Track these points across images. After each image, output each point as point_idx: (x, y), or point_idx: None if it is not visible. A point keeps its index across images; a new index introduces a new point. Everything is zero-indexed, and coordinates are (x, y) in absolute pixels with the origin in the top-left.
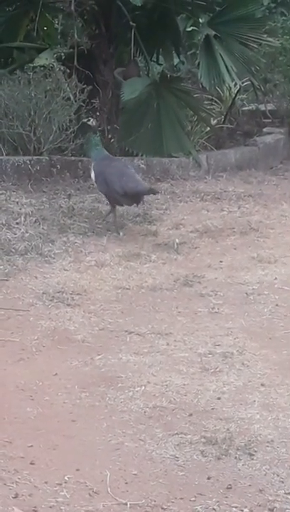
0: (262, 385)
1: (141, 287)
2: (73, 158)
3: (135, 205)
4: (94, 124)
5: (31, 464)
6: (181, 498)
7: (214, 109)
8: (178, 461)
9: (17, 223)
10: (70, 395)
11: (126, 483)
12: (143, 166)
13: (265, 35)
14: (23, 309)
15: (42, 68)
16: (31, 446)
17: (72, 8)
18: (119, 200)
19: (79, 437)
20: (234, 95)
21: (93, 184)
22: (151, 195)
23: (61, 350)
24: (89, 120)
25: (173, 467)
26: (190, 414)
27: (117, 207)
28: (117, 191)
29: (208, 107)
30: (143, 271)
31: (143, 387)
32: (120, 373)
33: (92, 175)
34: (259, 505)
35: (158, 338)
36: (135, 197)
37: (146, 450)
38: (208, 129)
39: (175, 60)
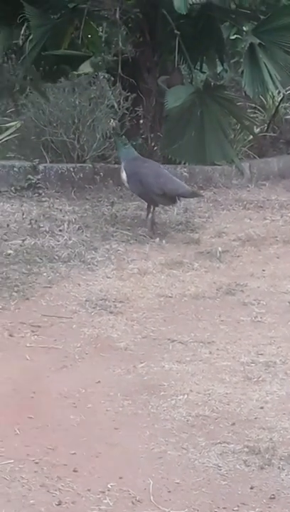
0: None
1: (183, 295)
2: (116, 165)
3: (171, 204)
4: (114, 125)
5: (74, 471)
6: (224, 508)
7: (257, 117)
8: (220, 470)
9: (60, 230)
10: (112, 402)
11: (169, 491)
12: (186, 174)
13: None
14: (66, 316)
15: (86, 76)
16: (74, 453)
17: (117, 16)
18: (155, 201)
19: (122, 445)
20: (277, 103)
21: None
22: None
23: (104, 357)
24: (110, 121)
25: (215, 476)
26: (233, 424)
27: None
28: (155, 192)
29: (251, 115)
30: (186, 279)
31: (185, 396)
32: (163, 381)
33: (124, 175)
34: None
35: (201, 347)
36: (173, 198)
37: (189, 459)
38: (251, 137)
39: (219, 68)
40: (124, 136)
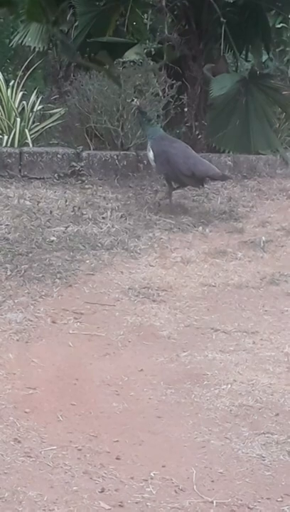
0: None
1: (226, 285)
2: None
3: (198, 187)
4: (137, 103)
5: (117, 459)
6: (268, 498)
7: None
8: (264, 460)
9: (103, 218)
10: (155, 391)
11: (213, 481)
12: (230, 162)
13: None
14: (109, 304)
15: (131, 63)
16: (117, 441)
17: (163, 3)
18: (183, 181)
19: (165, 434)
20: None
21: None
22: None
23: (147, 345)
24: (132, 100)
25: (259, 467)
26: (277, 414)
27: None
28: (183, 172)
29: None
30: (229, 268)
31: (229, 386)
32: (206, 371)
33: (151, 154)
34: None
35: (244, 337)
36: (202, 180)
37: (233, 449)
38: None
39: (264, 57)
40: (148, 114)
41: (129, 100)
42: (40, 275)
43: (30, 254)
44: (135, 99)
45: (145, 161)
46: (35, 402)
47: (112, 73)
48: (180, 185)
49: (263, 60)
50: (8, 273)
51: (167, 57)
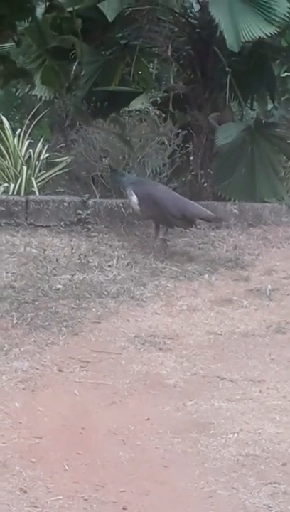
0: None
1: (233, 333)
2: None
3: (188, 228)
4: (107, 162)
5: (123, 509)
6: None
7: None
8: (271, 510)
9: (109, 266)
10: (162, 440)
11: None
12: (235, 211)
13: None
14: (115, 352)
15: (137, 112)
16: (123, 491)
17: (169, 53)
18: (171, 223)
19: (172, 483)
20: None
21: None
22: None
23: (153, 394)
24: (103, 161)
25: None
26: (284, 464)
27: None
28: (173, 214)
29: None
30: (235, 316)
31: (235, 435)
32: (212, 420)
33: (134, 198)
34: None
35: (251, 385)
36: (192, 221)
37: (239, 499)
38: None
39: (269, 106)
40: (119, 170)
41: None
42: (47, 323)
43: (37, 302)
44: (104, 159)
45: None
46: (42, 451)
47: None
48: (168, 226)
49: (268, 109)
50: (15, 321)
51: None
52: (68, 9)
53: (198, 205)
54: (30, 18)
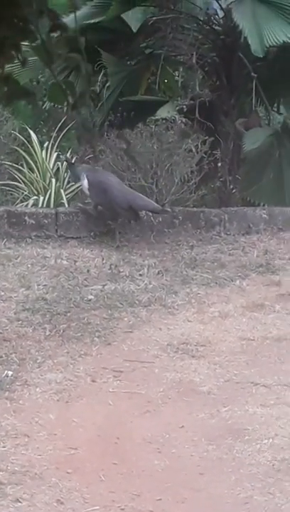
0: None
1: (265, 338)
2: (195, 209)
3: (132, 220)
4: (68, 156)
5: None
6: None
7: None
8: None
9: (140, 275)
10: (196, 447)
11: None
12: (265, 215)
13: None
14: (148, 361)
15: (164, 121)
16: (160, 499)
17: (194, 60)
18: (118, 213)
19: (208, 490)
20: None
21: (217, 234)
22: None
23: (187, 402)
24: (62, 154)
25: None
26: None
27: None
28: (120, 205)
29: None
30: (268, 321)
31: (270, 440)
32: (247, 425)
33: (85, 182)
34: None
35: (285, 390)
36: (137, 214)
37: (276, 504)
38: None
39: None
40: (75, 162)
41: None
42: (79, 334)
43: (69, 314)
44: (63, 155)
45: (180, 217)
46: (77, 462)
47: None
48: (114, 216)
49: None
50: (48, 333)
51: (199, 114)
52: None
53: (146, 198)
54: (34, 39)
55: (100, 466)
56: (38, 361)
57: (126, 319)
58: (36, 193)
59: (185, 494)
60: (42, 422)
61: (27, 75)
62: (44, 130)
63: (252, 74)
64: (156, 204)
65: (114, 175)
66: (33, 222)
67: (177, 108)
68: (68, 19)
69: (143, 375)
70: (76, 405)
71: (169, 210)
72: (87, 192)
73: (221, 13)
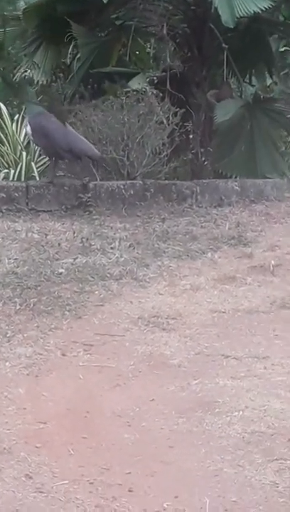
0: None
1: (237, 310)
2: (167, 181)
3: (74, 161)
4: (30, 76)
5: (129, 491)
6: None
7: None
8: (278, 487)
9: (111, 248)
10: (167, 420)
11: (226, 510)
12: (237, 188)
13: None
14: (118, 334)
15: (134, 93)
16: (129, 473)
17: (165, 32)
18: (61, 155)
19: (177, 464)
20: None
21: (189, 206)
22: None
23: (157, 375)
24: (26, 71)
25: (273, 494)
26: None
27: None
28: (61, 147)
29: None
30: (239, 294)
31: (241, 412)
32: (217, 398)
33: (28, 128)
34: None
35: (256, 362)
36: (79, 156)
37: (245, 476)
38: None
39: (268, 81)
40: (34, 90)
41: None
42: (50, 308)
43: (39, 288)
44: (28, 71)
45: (152, 190)
46: (46, 436)
47: None
48: (58, 158)
49: (268, 84)
50: (18, 307)
51: (170, 85)
52: None
53: (88, 143)
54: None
55: (69, 440)
56: (7, 335)
57: (97, 293)
58: (7, 166)
59: (155, 467)
60: (11, 396)
61: None
62: (14, 103)
63: (223, 45)
64: (96, 150)
65: (54, 116)
66: (4, 195)
67: (148, 80)
68: None
69: (113, 349)
70: (46, 379)
71: (104, 158)
72: (32, 137)
73: None
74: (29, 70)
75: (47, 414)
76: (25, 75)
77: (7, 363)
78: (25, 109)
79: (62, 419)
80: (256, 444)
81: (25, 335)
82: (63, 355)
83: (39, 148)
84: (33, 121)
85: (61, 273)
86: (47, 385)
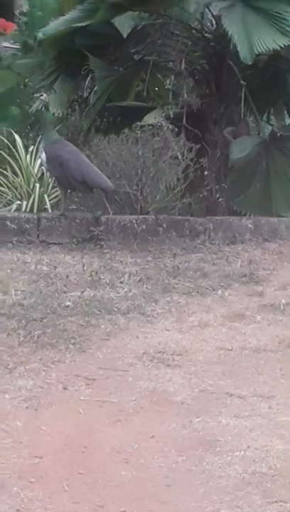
0: None
1: (244, 348)
2: (179, 217)
3: (87, 193)
4: (46, 99)
5: None
6: None
7: None
8: None
9: (121, 282)
10: (166, 458)
11: None
12: (251, 225)
13: None
14: (122, 369)
15: (150, 127)
16: (124, 511)
17: (183, 67)
18: (74, 186)
19: (175, 503)
20: None
21: (201, 243)
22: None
23: (159, 411)
24: (42, 95)
25: None
26: None
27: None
28: (75, 177)
29: None
30: (247, 332)
31: (242, 452)
32: (219, 437)
33: (43, 156)
34: None
35: (260, 401)
36: (91, 188)
37: None
38: None
39: (288, 120)
40: (52, 114)
41: (38, 95)
42: (54, 341)
43: (45, 320)
44: (44, 95)
45: (164, 225)
46: (41, 471)
47: None
48: (70, 189)
49: (286, 123)
50: (21, 339)
51: (186, 121)
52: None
53: (101, 174)
54: None
55: (65, 476)
56: (9, 367)
57: (103, 327)
58: (20, 197)
59: (151, 506)
60: (8, 429)
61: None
62: (30, 135)
63: (242, 82)
64: (109, 183)
65: (73, 145)
66: (15, 227)
67: (164, 114)
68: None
69: (116, 384)
70: (45, 413)
71: (117, 190)
72: (45, 165)
73: (211, 20)
74: (45, 95)
75: (44, 448)
76: (43, 104)
77: (7, 395)
78: (42, 136)
79: (59, 454)
80: (257, 485)
81: (27, 367)
82: (64, 388)
83: (52, 180)
84: (48, 149)
85: (68, 306)
86: (47, 419)
